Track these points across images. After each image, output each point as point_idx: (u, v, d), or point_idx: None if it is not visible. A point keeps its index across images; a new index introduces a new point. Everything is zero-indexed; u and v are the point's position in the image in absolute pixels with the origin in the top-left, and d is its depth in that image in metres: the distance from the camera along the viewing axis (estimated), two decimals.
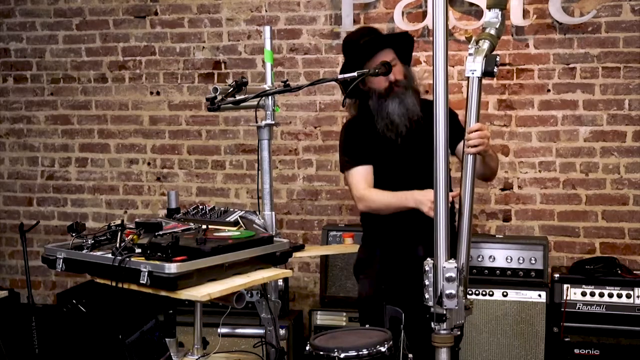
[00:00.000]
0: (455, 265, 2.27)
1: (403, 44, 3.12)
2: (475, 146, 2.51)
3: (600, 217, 4.24)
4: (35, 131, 4.96)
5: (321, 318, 4.07)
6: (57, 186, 4.96)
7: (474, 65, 2.48)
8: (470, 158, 2.51)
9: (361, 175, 3.07)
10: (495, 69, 2.47)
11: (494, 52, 2.55)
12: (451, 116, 2.47)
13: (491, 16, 2.56)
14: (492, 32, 2.54)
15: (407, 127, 3.00)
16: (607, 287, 3.79)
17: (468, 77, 2.52)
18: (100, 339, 3.66)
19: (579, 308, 3.79)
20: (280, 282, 2.98)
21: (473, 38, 2.51)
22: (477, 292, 3.82)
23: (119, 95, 4.83)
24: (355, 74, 2.82)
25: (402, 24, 4.29)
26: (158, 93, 4.78)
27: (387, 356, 2.39)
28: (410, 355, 2.78)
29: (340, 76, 2.86)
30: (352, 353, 2.36)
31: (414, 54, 4.34)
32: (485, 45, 2.51)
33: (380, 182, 3.07)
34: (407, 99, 3.00)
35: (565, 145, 4.27)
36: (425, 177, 2.44)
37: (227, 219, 2.76)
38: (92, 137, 4.89)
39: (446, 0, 2.31)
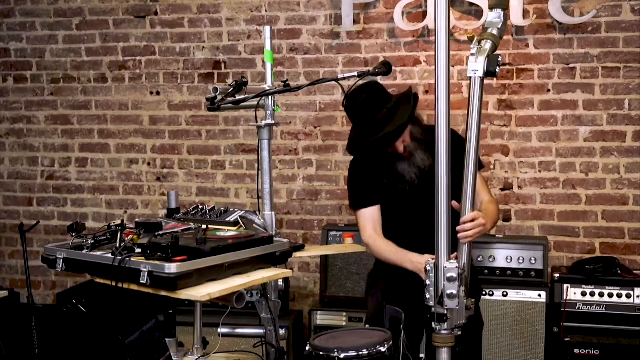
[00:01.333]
0: (457, 265, 2.27)
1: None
2: (470, 236, 2.46)
3: (600, 217, 4.24)
4: (35, 131, 4.96)
5: (321, 318, 4.07)
6: (57, 186, 4.96)
7: (476, 66, 2.47)
8: (471, 156, 2.49)
9: (369, 218, 3.07)
10: (497, 69, 2.47)
11: (496, 52, 2.55)
12: (460, 141, 2.43)
13: (493, 16, 2.56)
14: (494, 32, 2.54)
15: (417, 177, 2.99)
16: (607, 287, 3.80)
17: (470, 77, 2.52)
18: (100, 339, 3.65)
19: (579, 308, 3.79)
20: (280, 282, 2.98)
21: (475, 38, 2.50)
22: None
23: (119, 95, 4.83)
24: (355, 73, 2.82)
25: (402, 24, 4.29)
26: (158, 93, 4.78)
27: (387, 356, 2.39)
28: (422, 356, 2.79)
29: (340, 76, 2.86)
30: (352, 353, 2.36)
31: (414, 54, 4.39)
32: (487, 45, 2.51)
33: (389, 222, 3.09)
34: (418, 157, 2.98)
35: (565, 145, 4.27)
36: (432, 211, 2.36)
37: (227, 219, 2.75)
38: (92, 137, 4.89)
39: (448, 0, 2.31)
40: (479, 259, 3.96)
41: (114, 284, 2.36)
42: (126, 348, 2.50)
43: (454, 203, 2.40)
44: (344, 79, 2.83)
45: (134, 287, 2.36)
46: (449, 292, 2.25)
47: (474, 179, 2.47)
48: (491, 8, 2.57)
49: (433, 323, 2.30)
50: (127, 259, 2.35)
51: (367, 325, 2.93)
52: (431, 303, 2.30)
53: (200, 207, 2.91)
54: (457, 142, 2.39)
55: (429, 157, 2.94)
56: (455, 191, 2.37)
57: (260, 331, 2.92)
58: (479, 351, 3.15)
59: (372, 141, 2.95)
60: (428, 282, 2.31)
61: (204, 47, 4.69)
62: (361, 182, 3.13)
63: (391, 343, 2.44)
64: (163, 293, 2.32)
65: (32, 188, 4.99)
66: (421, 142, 2.98)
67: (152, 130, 4.80)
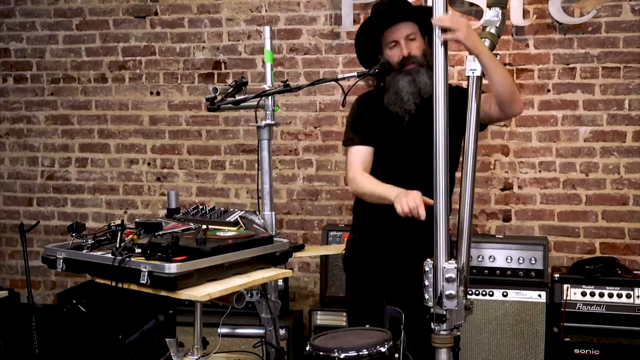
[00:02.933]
0: (455, 265, 2.27)
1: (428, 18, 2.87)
2: (446, 31, 2.27)
3: (600, 217, 4.24)
4: (35, 131, 4.96)
5: (321, 318, 4.07)
6: (57, 186, 4.96)
7: (474, 65, 2.48)
8: (471, 156, 2.48)
9: (359, 157, 2.92)
10: None
11: (494, 51, 2.56)
12: (464, 95, 2.41)
13: (491, 15, 2.56)
14: (493, 30, 2.54)
15: (416, 106, 2.83)
16: (607, 287, 3.79)
17: (468, 77, 2.52)
18: (100, 339, 3.65)
19: (579, 308, 3.79)
20: (280, 282, 2.99)
21: None
22: (477, 292, 3.82)
23: (119, 95, 4.83)
24: (355, 73, 2.82)
25: None
26: (158, 93, 4.78)
27: (387, 356, 2.39)
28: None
29: (340, 76, 2.85)
30: (352, 353, 2.36)
31: None
32: (485, 44, 2.51)
33: (382, 163, 2.94)
34: (420, 77, 2.82)
35: (565, 145, 4.27)
36: (429, 161, 2.30)
37: (227, 219, 2.76)
38: (92, 137, 4.89)
39: (446, 0, 2.31)
40: (479, 259, 3.96)
41: (114, 284, 2.36)
42: (126, 348, 2.50)
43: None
44: (344, 79, 2.83)
45: (134, 287, 2.36)
46: (447, 292, 2.25)
47: (472, 179, 2.47)
48: (489, 6, 2.57)
49: (432, 323, 2.30)
50: (127, 259, 2.35)
51: (367, 326, 2.92)
52: (430, 304, 2.30)
53: (200, 207, 2.91)
54: (458, 94, 2.34)
55: (432, 85, 2.73)
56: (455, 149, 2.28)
57: (260, 331, 2.92)
58: None
59: (376, 13, 2.86)
60: (427, 283, 2.31)
61: (204, 47, 4.69)
62: (360, 118, 2.98)
63: (391, 343, 2.44)
64: (163, 293, 2.32)
65: (32, 188, 4.99)
66: (429, 66, 2.71)
67: (152, 130, 4.80)
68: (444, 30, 2.28)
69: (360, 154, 2.93)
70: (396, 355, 2.44)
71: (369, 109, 2.97)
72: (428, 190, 2.38)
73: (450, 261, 2.29)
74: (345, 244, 3.20)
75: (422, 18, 2.79)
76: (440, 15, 2.27)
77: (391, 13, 2.88)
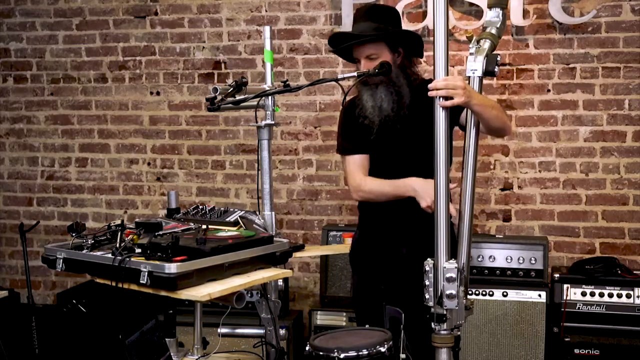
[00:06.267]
0: (456, 265, 2.27)
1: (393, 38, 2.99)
2: (446, 98, 2.36)
3: (600, 217, 4.24)
4: (35, 131, 4.96)
5: (321, 318, 4.07)
6: (57, 186, 4.96)
7: (475, 65, 2.48)
8: (471, 156, 2.49)
9: (358, 164, 3.01)
10: (496, 69, 2.47)
11: (495, 51, 2.55)
12: None
13: (492, 15, 2.56)
14: (493, 31, 2.54)
15: (379, 122, 2.92)
16: (607, 287, 3.80)
17: (469, 77, 2.52)
18: (100, 339, 3.66)
19: (579, 308, 3.80)
20: (280, 282, 2.98)
21: (474, 37, 2.50)
22: (477, 292, 3.82)
23: (119, 95, 4.83)
24: (355, 73, 2.83)
25: (402, 24, 4.27)
26: (158, 93, 4.78)
27: (387, 356, 2.39)
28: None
29: (340, 76, 2.85)
30: (352, 353, 2.36)
31: None
32: (486, 44, 2.51)
33: (373, 167, 3.04)
34: (378, 95, 2.91)
35: (565, 145, 4.27)
36: (411, 163, 2.67)
37: (227, 219, 2.76)
38: (92, 137, 4.89)
39: (447, 0, 2.31)
40: (479, 259, 3.96)
41: (114, 284, 2.36)
42: (126, 348, 2.49)
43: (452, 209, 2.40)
44: (344, 79, 2.83)
45: (134, 287, 2.36)
46: (448, 292, 2.26)
47: (473, 179, 2.47)
48: (490, 7, 2.57)
49: (432, 323, 2.30)
50: (127, 259, 2.35)
51: (366, 326, 2.92)
52: (430, 303, 2.30)
53: (200, 207, 2.91)
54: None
55: (393, 100, 2.89)
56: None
57: (260, 331, 2.92)
58: None
59: (335, 36, 2.98)
60: (427, 283, 2.31)
61: (204, 47, 4.69)
62: (349, 126, 3.06)
63: (391, 343, 2.44)
64: (163, 293, 2.32)
65: (32, 188, 4.99)
66: (389, 81, 2.89)
67: (152, 130, 4.80)
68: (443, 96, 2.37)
69: (358, 162, 3.01)
70: (403, 356, 2.44)
71: (355, 117, 3.02)
72: None
73: (451, 261, 2.29)
74: (352, 240, 3.26)
75: (388, 38, 2.94)
76: (435, 82, 2.36)
77: (351, 37, 2.97)
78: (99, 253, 2.48)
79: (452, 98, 2.36)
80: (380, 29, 2.91)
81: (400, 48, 2.96)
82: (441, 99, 2.35)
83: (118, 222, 2.68)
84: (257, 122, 2.86)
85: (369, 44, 2.92)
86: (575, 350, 3.70)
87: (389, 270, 2.98)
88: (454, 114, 2.60)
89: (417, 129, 2.87)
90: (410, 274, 2.68)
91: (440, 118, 2.34)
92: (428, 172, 2.44)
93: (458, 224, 2.45)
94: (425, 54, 4.30)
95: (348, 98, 2.90)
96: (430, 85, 2.38)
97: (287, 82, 2.82)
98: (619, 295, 3.77)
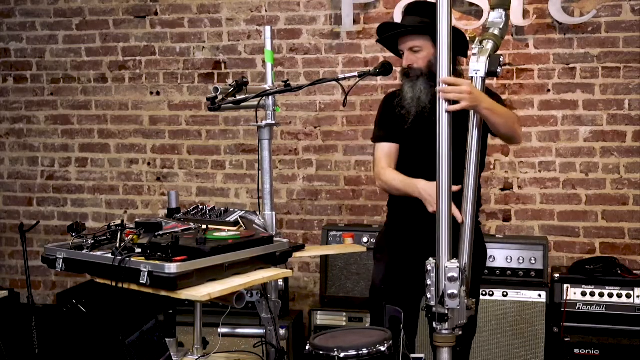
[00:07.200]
0: (458, 265, 2.27)
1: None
2: (452, 102, 2.41)
3: (600, 217, 4.24)
4: (35, 131, 4.96)
5: (321, 318, 4.07)
6: (57, 186, 4.96)
7: (478, 65, 2.48)
8: (473, 156, 2.48)
9: (385, 153, 3.07)
10: (499, 69, 2.47)
11: (498, 52, 2.56)
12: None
13: (495, 16, 2.56)
14: (496, 32, 2.54)
15: (416, 113, 2.97)
16: (607, 287, 3.80)
17: (471, 77, 2.52)
18: (100, 339, 3.65)
19: (579, 308, 3.79)
20: (280, 282, 2.98)
21: (477, 38, 2.51)
22: None
23: (119, 95, 4.83)
24: (355, 73, 2.83)
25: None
26: (158, 93, 4.78)
27: (387, 356, 2.39)
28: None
29: (340, 76, 2.86)
30: (352, 353, 2.36)
31: None
32: (489, 45, 2.51)
33: (403, 158, 3.10)
34: (417, 87, 2.96)
35: (565, 145, 4.27)
36: (427, 166, 2.59)
37: (227, 219, 2.75)
38: (92, 137, 4.89)
39: (450, 0, 2.31)
40: None
41: (114, 284, 2.36)
42: (126, 348, 2.49)
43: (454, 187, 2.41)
44: (344, 79, 2.84)
45: (134, 287, 2.36)
46: (450, 292, 2.26)
47: (475, 179, 2.47)
48: (493, 8, 2.58)
49: (434, 323, 2.30)
50: (127, 259, 2.35)
51: (366, 325, 2.92)
52: (432, 303, 2.30)
53: (200, 207, 2.91)
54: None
55: (432, 93, 2.88)
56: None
57: (260, 331, 2.92)
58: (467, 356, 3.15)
59: (382, 26, 3.05)
60: (429, 282, 2.32)
61: (204, 47, 4.69)
62: (385, 115, 3.12)
63: (391, 343, 2.44)
64: (163, 293, 2.31)
65: (32, 188, 4.99)
66: (429, 75, 2.93)
67: (152, 130, 4.80)
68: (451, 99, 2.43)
69: (386, 150, 3.07)
70: (412, 356, 2.45)
71: (394, 107, 3.07)
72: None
73: (453, 260, 2.29)
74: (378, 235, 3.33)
75: (431, 32, 2.92)
76: (442, 86, 2.42)
77: (397, 28, 3.06)
78: (99, 253, 2.48)
79: (458, 102, 2.38)
80: (425, 23, 2.94)
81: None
82: (446, 103, 2.37)
83: (118, 222, 2.68)
84: (257, 122, 2.86)
85: (413, 36, 2.97)
86: (575, 350, 3.70)
87: (414, 261, 2.98)
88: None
89: (427, 132, 2.86)
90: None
91: (443, 118, 2.34)
92: (455, 168, 2.47)
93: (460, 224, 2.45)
94: None
95: (390, 90, 2.96)
96: (439, 91, 2.42)
97: (288, 82, 2.83)
98: (619, 295, 3.77)
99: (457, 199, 2.49)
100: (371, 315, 3.19)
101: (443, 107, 2.39)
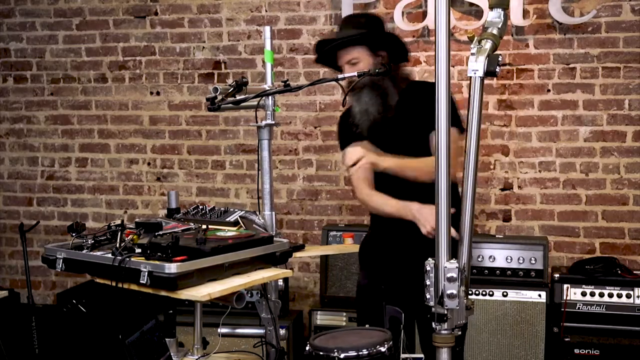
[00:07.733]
0: (457, 265, 2.27)
1: (371, 38, 3.00)
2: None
3: (600, 217, 4.24)
4: (35, 131, 4.96)
5: (321, 318, 4.08)
6: (57, 186, 4.96)
7: (476, 65, 2.47)
8: (472, 156, 2.49)
9: (360, 177, 3.03)
10: (498, 69, 2.47)
11: (497, 52, 2.55)
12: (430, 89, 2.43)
13: (493, 16, 2.56)
14: (495, 31, 2.54)
15: (368, 126, 2.97)
16: (607, 287, 3.80)
17: (470, 77, 2.51)
18: (100, 339, 3.65)
19: (579, 308, 3.80)
20: (280, 282, 2.97)
21: (475, 38, 2.50)
22: (477, 292, 3.82)
23: (119, 95, 4.83)
24: (355, 73, 2.82)
25: (402, 24, 4.28)
26: (158, 93, 4.78)
27: (387, 356, 2.39)
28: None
29: (340, 76, 2.86)
30: (352, 353, 2.36)
31: (413, 54, 4.39)
32: (487, 45, 2.50)
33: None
34: (362, 99, 2.96)
35: (565, 145, 4.27)
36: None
37: (227, 219, 2.75)
38: (92, 137, 4.89)
39: (448, 0, 2.31)
40: (479, 259, 3.96)
41: (114, 284, 2.35)
42: (126, 348, 2.49)
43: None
44: (344, 79, 2.83)
45: (134, 287, 2.36)
46: (449, 292, 2.25)
47: (474, 179, 2.47)
48: (491, 7, 2.57)
49: (433, 323, 2.30)
50: (127, 259, 2.35)
51: (366, 326, 2.93)
52: (431, 303, 2.30)
53: (200, 207, 2.90)
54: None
55: (379, 103, 2.92)
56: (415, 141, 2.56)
57: (260, 331, 2.92)
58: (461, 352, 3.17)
59: (318, 44, 3.04)
60: (428, 282, 2.31)
61: (204, 47, 4.69)
62: (344, 133, 3.11)
63: (391, 343, 2.44)
64: (163, 293, 2.31)
65: (32, 188, 4.99)
66: (372, 85, 2.92)
67: (152, 130, 4.80)
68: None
69: (361, 174, 3.01)
70: (412, 356, 2.45)
71: (348, 125, 3.06)
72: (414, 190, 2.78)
73: (452, 260, 2.28)
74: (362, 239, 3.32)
75: (367, 41, 2.96)
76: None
77: (330, 44, 3.02)
78: (99, 253, 2.48)
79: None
80: (361, 34, 2.93)
81: (382, 52, 2.98)
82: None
83: (118, 222, 2.68)
84: (257, 122, 2.85)
85: (350, 49, 2.95)
86: (575, 350, 3.70)
87: (393, 270, 2.99)
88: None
89: (406, 130, 2.92)
90: (414, 276, 2.68)
91: (442, 120, 2.33)
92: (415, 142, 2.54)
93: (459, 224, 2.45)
94: (425, 54, 4.35)
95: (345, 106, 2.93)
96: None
97: (287, 82, 2.83)
98: (619, 295, 3.77)
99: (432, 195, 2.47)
100: (357, 315, 3.22)
101: (442, 122, 2.35)
